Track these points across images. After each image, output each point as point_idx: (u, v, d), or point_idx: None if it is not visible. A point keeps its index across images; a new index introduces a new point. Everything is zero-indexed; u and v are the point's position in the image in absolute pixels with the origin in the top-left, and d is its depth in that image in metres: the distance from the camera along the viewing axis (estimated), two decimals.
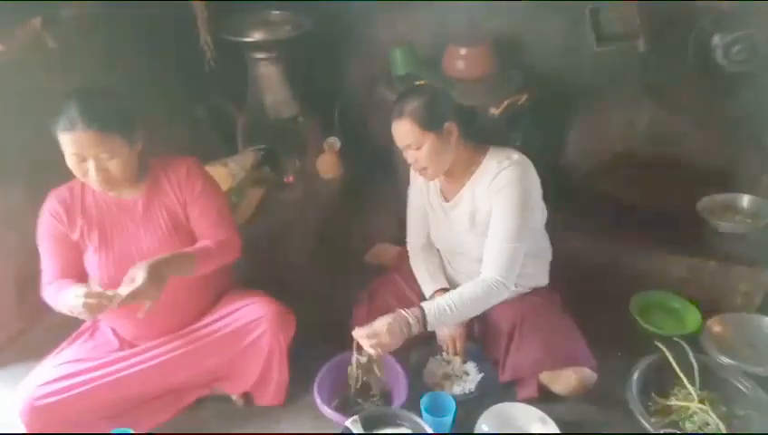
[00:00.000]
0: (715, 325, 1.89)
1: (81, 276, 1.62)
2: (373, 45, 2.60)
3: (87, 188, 1.61)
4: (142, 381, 1.62)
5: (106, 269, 1.60)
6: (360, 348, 1.59)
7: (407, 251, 1.98)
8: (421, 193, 1.84)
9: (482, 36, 2.38)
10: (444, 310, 1.57)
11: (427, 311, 1.57)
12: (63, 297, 1.47)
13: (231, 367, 1.70)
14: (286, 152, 2.50)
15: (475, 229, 1.70)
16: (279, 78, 2.48)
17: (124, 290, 1.41)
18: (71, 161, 1.46)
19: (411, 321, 1.55)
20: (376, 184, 2.71)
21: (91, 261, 1.61)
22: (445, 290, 1.78)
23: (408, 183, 1.90)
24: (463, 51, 2.31)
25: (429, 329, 1.58)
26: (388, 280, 1.98)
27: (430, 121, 1.57)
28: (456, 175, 1.71)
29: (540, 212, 1.73)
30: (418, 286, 1.86)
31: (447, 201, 1.76)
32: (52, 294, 1.56)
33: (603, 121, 2.51)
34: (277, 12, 2.50)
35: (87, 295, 1.40)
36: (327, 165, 2.54)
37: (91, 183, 1.51)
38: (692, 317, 1.97)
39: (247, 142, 2.52)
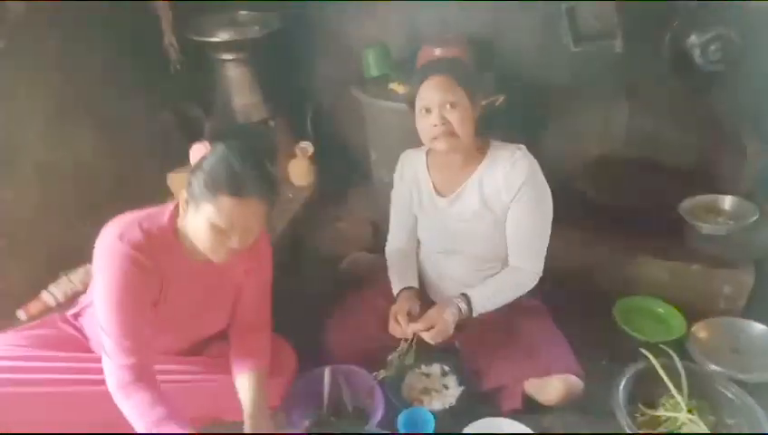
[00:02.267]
0: (701, 331, 1.84)
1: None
2: (345, 46, 2.53)
3: (164, 235, 1.34)
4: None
5: (161, 337, 1.40)
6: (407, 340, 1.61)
7: (383, 260, 1.90)
8: (411, 193, 1.74)
9: (456, 37, 2.32)
10: (487, 295, 1.60)
11: (471, 296, 1.58)
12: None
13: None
14: None
15: (483, 220, 1.63)
16: (248, 80, 2.38)
17: None
18: (209, 228, 1.25)
19: (461, 306, 1.56)
20: (350, 190, 2.63)
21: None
22: (411, 289, 1.73)
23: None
24: (437, 51, 2.24)
25: (475, 315, 1.59)
26: (363, 295, 1.89)
27: (471, 87, 1.53)
28: (459, 164, 1.64)
29: None
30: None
31: (444, 196, 1.68)
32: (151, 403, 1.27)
33: (580, 123, 2.48)
34: (245, 11, 2.42)
35: None
36: (299, 171, 2.44)
37: (211, 252, 1.30)
38: (676, 322, 1.92)
39: None
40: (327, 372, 1.66)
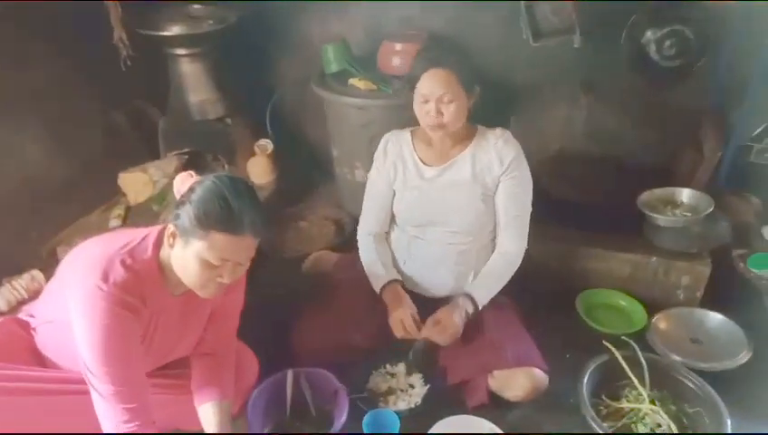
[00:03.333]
0: (661, 322, 1.87)
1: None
2: (305, 42, 2.48)
3: (148, 270, 1.27)
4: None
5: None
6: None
7: (347, 259, 1.87)
8: (394, 167, 1.74)
9: (418, 33, 2.30)
10: (487, 287, 1.68)
11: (473, 293, 1.65)
12: None
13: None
14: (213, 156, 2.33)
15: (473, 192, 1.68)
16: (203, 76, 2.31)
17: None
18: (199, 264, 1.20)
19: (468, 309, 1.62)
20: (312, 189, 2.58)
21: None
22: (397, 281, 1.74)
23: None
24: (398, 47, 2.23)
25: (480, 308, 1.65)
26: (329, 296, 1.85)
27: (468, 80, 1.59)
28: (449, 144, 1.70)
29: None
30: (365, 296, 1.75)
31: (432, 166, 1.71)
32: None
33: (541, 119, 2.48)
34: (198, 6, 2.34)
35: None
36: (258, 169, 2.38)
37: (200, 287, 1.25)
38: (637, 314, 1.94)
39: (170, 146, 2.34)
40: (289, 375, 1.61)
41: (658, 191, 2.12)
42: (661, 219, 2.01)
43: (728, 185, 2.20)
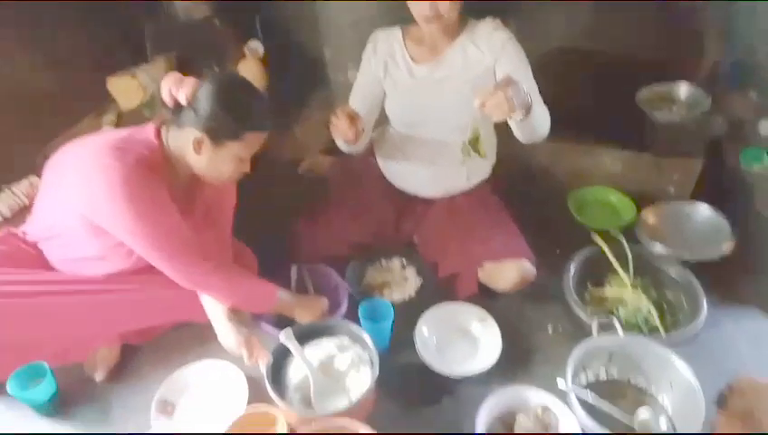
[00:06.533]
0: (649, 216, 1.90)
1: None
2: None
3: (153, 158, 1.31)
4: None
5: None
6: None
7: (342, 160, 1.88)
8: (384, 65, 1.71)
9: None
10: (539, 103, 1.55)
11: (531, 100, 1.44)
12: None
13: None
14: (202, 59, 2.27)
15: (464, 84, 1.63)
16: None
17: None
18: (235, 162, 1.35)
19: (522, 87, 1.39)
20: (306, 94, 2.53)
21: None
22: None
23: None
24: None
25: (526, 114, 1.45)
26: (328, 197, 1.88)
27: None
28: (439, 37, 1.65)
29: None
30: (362, 195, 1.80)
31: (422, 64, 1.68)
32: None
33: (538, 17, 2.39)
34: None
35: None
36: (249, 74, 2.33)
37: (229, 180, 1.42)
38: (627, 210, 1.97)
39: (157, 49, 2.27)
40: (293, 269, 1.68)
41: (657, 87, 2.10)
42: (658, 115, 2.00)
43: (729, 81, 2.16)
